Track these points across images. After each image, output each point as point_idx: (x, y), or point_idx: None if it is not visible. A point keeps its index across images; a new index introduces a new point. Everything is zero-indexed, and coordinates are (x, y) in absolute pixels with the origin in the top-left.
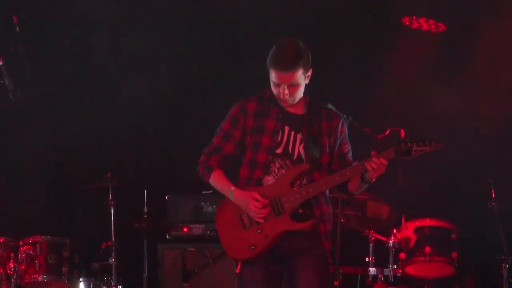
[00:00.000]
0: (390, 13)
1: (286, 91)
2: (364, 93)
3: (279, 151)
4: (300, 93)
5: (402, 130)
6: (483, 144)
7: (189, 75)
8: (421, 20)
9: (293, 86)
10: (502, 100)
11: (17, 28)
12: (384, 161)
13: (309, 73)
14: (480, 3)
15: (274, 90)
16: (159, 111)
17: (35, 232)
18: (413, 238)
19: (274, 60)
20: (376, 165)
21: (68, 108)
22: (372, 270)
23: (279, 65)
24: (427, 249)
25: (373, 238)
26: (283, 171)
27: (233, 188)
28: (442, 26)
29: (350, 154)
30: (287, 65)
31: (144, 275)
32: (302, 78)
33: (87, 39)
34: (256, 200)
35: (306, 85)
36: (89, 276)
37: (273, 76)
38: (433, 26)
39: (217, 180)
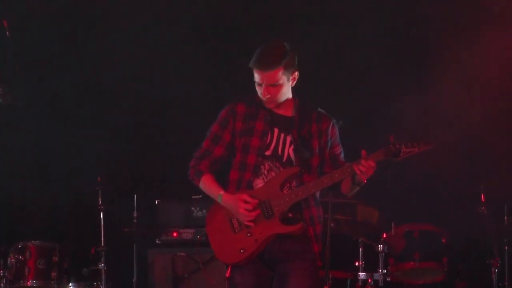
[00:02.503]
0: None
1: (267, 91)
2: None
3: (268, 153)
4: (282, 94)
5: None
6: (473, 148)
7: (179, 81)
8: None
9: (274, 86)
10: (491, 104)
11: (7, 33)
12: (372, 163)
13: (295, 76)
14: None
15: (257, 90)
16: (149, 116)
17: (25, 237)
18: (403, 242)
19: (255, 59)
20: (364, 168)
21: (59, 112)
22: (362, 275)
23: (259, 64)
24: (417, 254)
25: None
26: (273, 173)
27: (222, 192)
28: None
29: (342, 155)
30: (267, 64)
31: (134, 280)
32: (284, 78)
33: (82, 45)
34: (246, 201)
35: (298, 88)
36: (79, 281)
37: (255, 75)
38: None
39: (206, 185)
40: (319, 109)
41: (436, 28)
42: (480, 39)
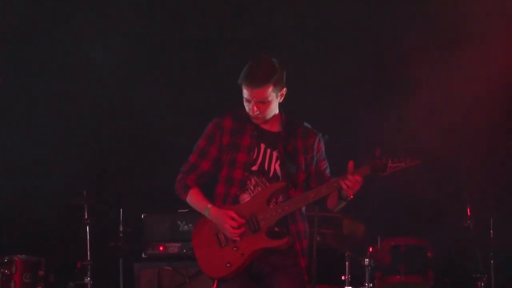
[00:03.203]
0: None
1: (256, 108)
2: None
3: (255, 168)
4: (271, 110)
5: (378, 148)
6: (459, 163)
7: (164, 92)
8: None
9: (263, 103)
10: (477, 118)
11: None
12: (359, 178)
13: (283, 92)
14: None
15: (246, 106)
16: (135, 130)
17: (10, 251)
18: (389, 256)
19: (245, 76)
20: (350, 182)
21: (44, 126)
22: None
23: (249, 81)
24: (403, 267)
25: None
26: (259, 188)
27: (209, 206)
28: None
29: (327, 171)
30: (257, 81)
31: None
32: (273, 95)
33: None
34: (233, 219)
35: (284, 103)
36: None
37: (244, 92)
38: None
39: (194, 198)
40: (305, 124)
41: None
42: (459, 52)
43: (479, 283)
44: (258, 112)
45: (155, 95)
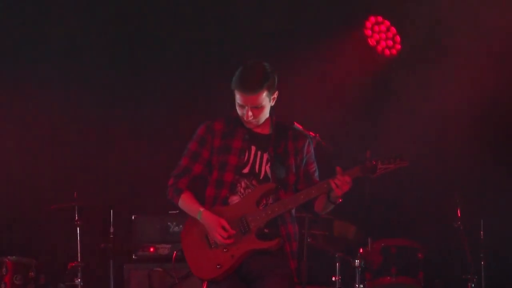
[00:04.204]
0: None
1: (250, 113)
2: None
3: (245, 170)
4: (264, 114)
5: (368, 151)
6: (449, 164)
7: (159, 102)
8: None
9: (257, 108)
10: (466, 118)
11: None
12: (348, 179)
13: (275, 95)
14: None
15: (238, 111)
16: (125, 131)
17: (1, 253)
18: (380, 258)
19: (238, 82)
20: (340, 182)
21: (33, 126)
22: None
23: (244, 87)
24: (394, 269)
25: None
26: (249, 190)
27: (201, 209)
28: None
29: (316, 174)
30: (251, 87)
31: None
32: (266, 100)
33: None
34: (223, 228)
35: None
36: None
37: (237, 97)
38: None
39: (186, 202)
40: (295, 126)
41: None
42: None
43: (469, 284)
44: (252, 117)
45: (143, 93)
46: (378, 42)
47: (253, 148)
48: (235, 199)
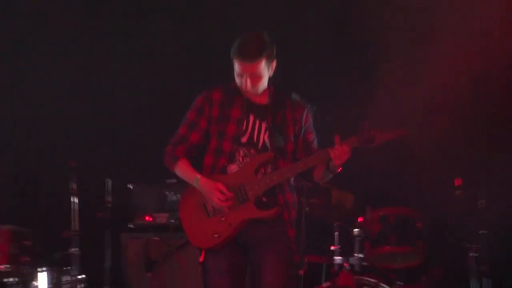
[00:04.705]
0: None
1: (249, 82)
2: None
3: (244, 140)
4: (263, 84)
5: (366, 120)
6: (447, 133)
7: (157, 71)
8: None
9: (256, 77)
10: (464, 92)
11: None
12: (346, 149)
13: (274, 65)
14: None
15: (237, 80)
16: (123, 102)
17: None
18: (378, 227)
19: (237, 51)
20: (338, 151)
21: (30, 96)
22: (338, 259)
23: (243, 56)
24: (393, 238)
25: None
26: (248, 159)
27: (198, 176)
28: None
29: (315, 143)
30: (251, 55)
31: (107, 265)
32: (265, 69)
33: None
34: (221, 192)
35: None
36: (51, 265)
37: (236, 66)
38: None
39: (182, 169)
40: (294, 95)
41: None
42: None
43: (469, 253)
44: (251, 86)
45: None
46: None
47: (252, 118)
48: (233, 168)
